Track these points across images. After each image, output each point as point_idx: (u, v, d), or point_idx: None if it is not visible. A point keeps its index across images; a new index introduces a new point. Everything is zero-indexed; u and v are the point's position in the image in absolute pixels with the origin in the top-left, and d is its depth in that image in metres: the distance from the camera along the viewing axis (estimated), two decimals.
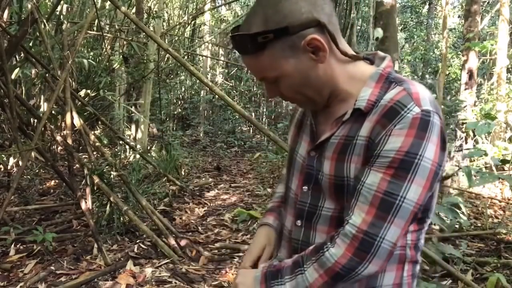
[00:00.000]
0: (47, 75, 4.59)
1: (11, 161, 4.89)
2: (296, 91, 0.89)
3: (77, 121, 4.03)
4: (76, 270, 2.99)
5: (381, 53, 0.96)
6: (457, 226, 4.03)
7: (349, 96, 0.91)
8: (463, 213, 4.18)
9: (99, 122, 7.44)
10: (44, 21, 4.50)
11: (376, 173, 0.81)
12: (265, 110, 13.20)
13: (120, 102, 7.61)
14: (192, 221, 4.31)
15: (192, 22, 11.58)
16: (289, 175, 1.02)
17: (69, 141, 3.98)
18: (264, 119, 12.92)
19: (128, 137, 7.47)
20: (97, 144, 4.27)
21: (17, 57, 5.63)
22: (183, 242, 3.48)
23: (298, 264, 0.88)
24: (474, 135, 5.63)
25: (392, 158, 0.79)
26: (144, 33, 5.72)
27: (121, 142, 6.24)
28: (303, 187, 0.96)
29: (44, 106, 6.17)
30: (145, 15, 7.41)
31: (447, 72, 9.30)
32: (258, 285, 0.91)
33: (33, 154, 4.92)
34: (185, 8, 12.77)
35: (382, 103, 0.84)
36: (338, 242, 0.83)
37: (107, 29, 7.40)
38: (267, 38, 0.81)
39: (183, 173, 6.27)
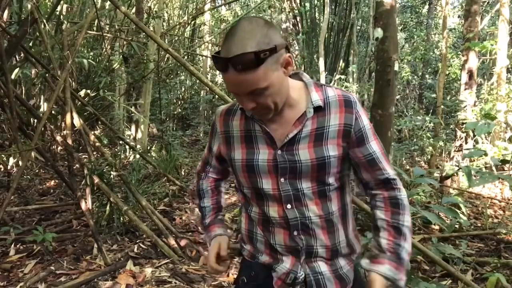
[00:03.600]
0: (47, 75, 4.59)
1: (11, 161, 4.89)
2: (273, 100, 1.09)
3: (77, 121, 4.03)
4: (76, 270, 2.99)
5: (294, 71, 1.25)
6: (457, 226, 4.03)
7: (295, 102, 1.17)
8: (463, 213, 4.18)
9: (99, 122, 7.44)
10: (44, 21, 4.50)
11: (372, 142, 1.22)
12: None
13: (120, 102, 7.61)
14: (192, 221, 4.32)
15: (192, 22, 11.58)
16: (255, 180, 1.22)
17: (69, 141, 3.98)
18: None
19: (128, 137, 7.48)
20: (97, 144, 4.27)
21: (17, 57, 5.64)
22: (183, 242, 3.48)
23: (396, 226, 1.20)
24: (474, 135, 5.63)
25: (370, 128, 1.22)
26: (144, 33, 5.72)
27: (121, 142, 6.25)
28: (281, 180, 1.18)
29: (44, 106, 6.18)
30: (145, 15, 7.40)
31: (447, 72, 9.30)
32: (400, 273, 1.16)
33: (33, 154, 4.92)
34: (185, 8, 12.77)
35: (332, 99, 1.18)
36: (398, 187, 1.23)
37: (107, 29, 7.40)
38: (266, 55, 1.01)
39: (183, 173, 6.27)
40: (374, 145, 1.22)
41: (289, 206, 1.19)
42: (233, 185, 5.92)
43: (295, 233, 1.20)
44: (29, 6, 4.72)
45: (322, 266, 1.21)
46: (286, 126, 1.17)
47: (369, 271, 1.17)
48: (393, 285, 1.15)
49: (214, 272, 1.34)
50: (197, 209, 4.72)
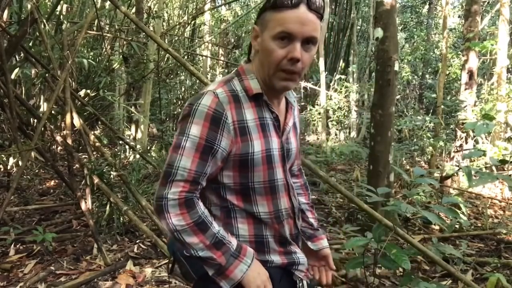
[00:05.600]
0: (47, 75, 4.58)
1: (11, 161, 4.88)
2: (309, 61, 1.08)
3: (77, 121, 4.03)
4: (76, 270, 2.99)
5: None
6: (457, 226, 4.03)
7: None
8: (463, 213, 4.18)
9: (99, 122, 7.44)
10: (44, 21, 4.50)
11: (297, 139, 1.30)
12: None
13: (120, 102, 7.61)
14: None
15: (192, 22, 11.58)
16: (272, 171, 1.14)
17: (69, 141, 3.98)
18: None
19: (128, 137, 7.47)
20: (97, 144, 4.27)
21: (17, 57, 5.64)
22: None
23: (312, 205, 1.43)
24: (474, 135, 5.63)
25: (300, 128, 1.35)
26: (144, 33, 5.72)
27: (121, 142, 6.24)
28: (285, 168, 1.19)
29: (44, 106, 6.17)
30: (145, 15, 7.40)
31: (447, 72, 9.30)
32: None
33: (33, 154, 4.92)
34: (185, 8, 12.77)
35: (292, 94, 1.30)
36: (302, 170, 1.46)
37: (107, 29, 7.40)
38: (323, 13, 1.06)
39: None
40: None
41: (292, 194, 1.21)
42: None
43: (297, 220, 1.25)
44: (29, 6, 4.72)
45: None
46: (282, 114, 1.20)
47: (319, 249, 1.36)
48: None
49: None
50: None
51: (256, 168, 1.10)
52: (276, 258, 1.18)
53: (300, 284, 1.23)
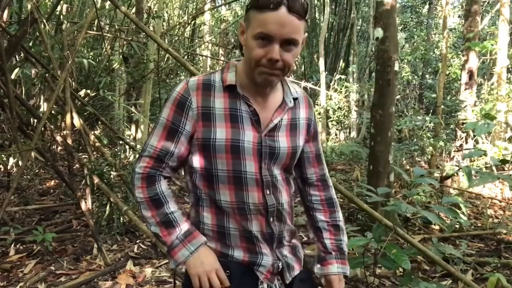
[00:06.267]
0: (47, 75, 4.58)
1: (11, 161, 4.88)
2: (290, 61, 1.09)
3: (77, 121, 4.02)
4: (76, 270, 2.99)
5: None
6: (457, 226, 4.03)
7: (278, 87, 1.22)
8: (463, 213, 4.18)
9: (99, 122, 7.44)
10: (44, 21, 4.50)
11: (319, 139, 1.36)
12: None
13: (120, 102, 7.61)
14: None
15: (192, 22, 11.58)
16: (238, 162, 1.15)
17: (69, 141, 3.98)
18: None
19: (128, 137, 7.47)
20: (97, 144, 4.27)
21: (17, 57, 5.63)
22: None
23: (335, 224, 1.36)
24: (474, 135, 5.63)
25: (318, 131, 1.35)
26: (144, 33, 5.72)
27: (121, 142, 6.24)
28: (262, 164, 1.17)
29: (44, 106, 6.17)
30: (145, 15, 7.40)
31: (447, 72, 9.29)
32: (346, 266, 1.36)
33: (33, 154, 4.92)
34: (185, 8, 12.77)
35: (300, 95, 1.27)
36: (331, 185, 1.38)
37: (107, 29, 7.40)
38: (307, 14, 1.08)
39: (183, 173, 6.26)
40: (320, 143, 1.36)
41: (268, 192, 1.18)
42: None
43: (271, 219, 1.20)
44: (29, 6, 4.71)
45: (286, 250, 1.27)
46: (268, 110, 1.19)
47: (324, 275, 1.33)
48: (342, 277, 1.34)
49: None
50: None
51: (219, 155, 1.14)
52: (238, 254, 1.19)
53: (261, 286, 1.20)
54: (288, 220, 1.27)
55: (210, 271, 1.14)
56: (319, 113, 9.76)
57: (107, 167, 3.93)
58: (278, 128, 1.19)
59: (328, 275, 1.32)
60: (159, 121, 1.17)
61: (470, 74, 5.86)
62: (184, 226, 1.17)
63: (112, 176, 4.00)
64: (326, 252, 1.34)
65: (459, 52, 9.20)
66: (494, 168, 5.11)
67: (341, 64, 11.86)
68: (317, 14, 12.94)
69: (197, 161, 1.17)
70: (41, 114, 4.42)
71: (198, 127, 1.14)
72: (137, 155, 1.14)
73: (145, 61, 6.54)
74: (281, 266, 1.24)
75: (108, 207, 3.69)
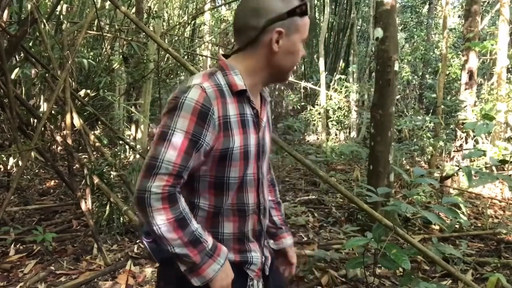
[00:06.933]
0: (47, 75, 4.58)
1: (11, 161, 4.88)
2: None
3: (77, 121, 4.03)
4: (76, 270, 2.99)
5: None
6: (457, 226, 4.03)
7: None
8: (463, 213, 4.18)
9: (99, 122, 7.44)
10: (44, 21, 4.50)
11: None
12: None
13: (120, 102, 7.61)
14: None
15: (192, 22, 11.58)
16: (247, 167, 1.15)
17: (69, 141, 3.98)
18: None
19: (128, 137, 7.47)
20: (97, 144, 4.26)
21: (17, 57, 5.64)
22: None
23: (278, 202, 1.48)
24: (474, 135, 5.63)
25: None
26: (144, 33, 5.71)
27: (121, 142, 6.24)
28: (259, 164, 1.20)
29: (44, 106, 6.17)
30: (145, 15, 7.39)
31: (447, 72, 9.29)
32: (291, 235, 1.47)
33: (33, 154, 4.92)
34: (185, 8, 12.77)
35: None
36: (272, 174, 1.46)
37: (107, 29, 7.40)
38: None
39: None
40: None
41: (260, 190, 1.22)
42: None
43: (262, 217, 1.24)
44: (29, 6, 4.72)
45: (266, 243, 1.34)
46: (259, 107, 1.22)
47: (280, 249, 1.43)
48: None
49: None
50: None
51: (233, 163, 1.11)
52: (230, 256, 1.18)
53: (251, 283, 1.21)
54: (268, 216, 1.35)
55: (231, 283, 1.13)
56: (319, 113, 9.76)
57: (107, 167, 3.93)
58: (265, 125, 1.23)
59: (284, 248, 1.43)
60: (174, 133, 1.03)
61: (470, 74, 5.86)
62: (209, 239, 1.10)
63: (112, 176, 4.00)
64: (277, 228, 1.44)
65: (459, 52, 9.20)
66: (494, 168, 5.11)
67: (341, 64, 11.86)
68: (317, 14, 12.94)
69: (207, 169, 1.12)
70: (41, 114, 4.42)
71: (219, 138, 1.08)
72: (142, 171, 1.01)
73: (145, 61, 6.53)
74: (264, 260, 1.29)
75: (108, 207, 3.69)
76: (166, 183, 1.03)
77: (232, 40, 14.29)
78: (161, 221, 1.03)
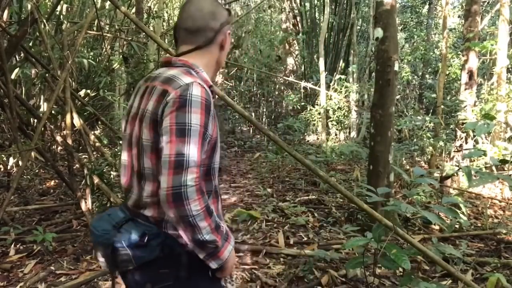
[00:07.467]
0: (47, 75, 4.59)
1: (11, 161, 4.89)
2: None
3: (77, 121, 4.03)
4: (76, 270, 2.99)
5: None
6: (457, 226, 4.03)
7: None
8: (463, 213, 4.18)
9: (99, 122, 7.44)
10: (44, 21, 4.50)
11: None
12: (265, 110, 13.21)
13: (120, 102, 7.61)
14: None
15: None
16: (218, 152, 1.29)
17: (69, 141, 3.98)
18: (264, 119, 12.92)
19: None
20: (97, 144, 4.27)
21: (17, 57, 5.64)
22: None
23: None
24: (474, 135, 5.63)
25: None
26: (144, 33, 5.72)
27: (121, 142, 6.24)
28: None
29: (44, 106, 6.17)
30: (145, 15, 7.40)
31: (447, 72, 9.29)
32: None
33: (33, 154, 4.92)
34: None
35: None
36: None
37: (107, 29, 7.40)
38: None
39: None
40: None
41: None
42: (233, 185, 5.93)
43: (221, 197, 1.38)
44: (29, 6, 4.72)
45: None
46: None
47: None
48: None
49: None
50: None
51: (216, 149, 1.26)
52: None
53: None
54: None
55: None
56: (319, 113, 9.76)
57: (107, 167, 3.93)
58: None
59: None
60: (192, 128, 1.12)
61: (470, 74, 5.86)
62: (222, 224, 1.22)
63: (112, 176, 4.00)
64: None
65: (459, 52, 9.20)
66: (494, 168, 5.11)
67: (341, 64, 11.85)
68: (317, 14, 12.94)
69: (206, 158, 1.22)
70: (41, 114, 4.42)
71: (214, 128, 1.21)
72: (170, 168, 1.09)
73: (145, 61, 6.54)
74: None
75: (108, 207, 3.69)
76: (196, 175, 1.11)
77: (232, 40, 14.28)
78: (196, 211, 1.11)
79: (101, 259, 1.25)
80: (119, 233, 1.19)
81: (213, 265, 1.18)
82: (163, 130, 1.12)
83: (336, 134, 10.31)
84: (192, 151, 1.10)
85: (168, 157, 1.09)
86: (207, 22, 1.28)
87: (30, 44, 5.15)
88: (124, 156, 1.31)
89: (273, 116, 12.83)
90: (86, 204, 3.46)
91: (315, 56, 11.84)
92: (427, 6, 15.32)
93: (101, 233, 1.20)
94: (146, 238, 1.16)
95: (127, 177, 1.30)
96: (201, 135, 1.12)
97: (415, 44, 14.19)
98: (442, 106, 7.24)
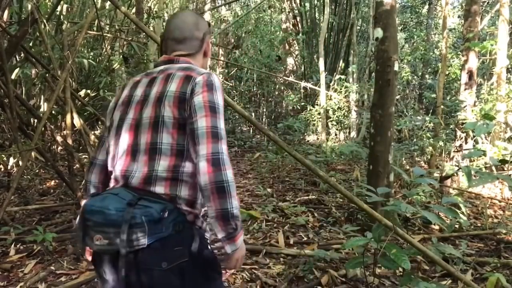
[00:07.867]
0: (47, 75, 4.59)
1: (11, 161, 4.88)
2: None
3: (77, 121, 4.03)
4: (76, 270, 2.99)
5: None
6: (457, 226, 4.03)
7: None
8: (463, 213, 4.18)
9: (99, 122, 7.43)
10: (44, 21, 4.50)
11: None
12: (265, 110, 13.21)
13: None
14: None
15: None
16: None
17: (69, 141, 3.98)
18: (264, 119, 12.92)
19: None
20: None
21: (17, 57, 5.64)
22: None
23: None
24: (474, 135, 5.63)
25: None
26: (144, 33, 5.72)
27: None
28: None
29: (44, 106, 6.17)
30: (145, 15, 7.40)
31: (447, 72, 9.28)
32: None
33: (33, 154, 4.92)
34: (185, 8, 12.76)
35: None
36: None
37: (107, 29, 7.40)
38: None
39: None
40: None
41: None
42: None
43: None
44: (29, 6, 4.72)
45: None
46: None
47: None
48: None
49: None
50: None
51: None
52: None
53: None
54: None
55: None
56: (319, 113, 9.76)
57: None
58: None
59: None
60: (219, 107, 1.29)
61: (470, 74, 5.86)
62: None
63: None
64: None
65: (459, 52, 9.19)
66: (493, 168, 5.11)
67: (341, 64, 11.85)
68: (317, 14, 12.95)
69: None
70: (41, 114, 4.43)
71: None
72: (209, 137, 1.25)
73: (145, 61, 6.54)
74: None
75: None
76: (227, 146, 1.27)
77: (232, 40, 14.30)
78: (231, 178, 1.22)
79: (97, 243, 1.17)
80: (137, 209, 1.17)
81: (228, 249, 1.24)
82: (196, 107, 1.24)
83: (336, 134, 10.31)
84: (222, 125, 1.27)
85: (205, 129, 1.22)
86: (192, 31, 1.45)
87: (30, 44, 5.15)
88: (124, 140, 1.32)
89: (273, 116, 12.82)
90: None
91: (315, 56, 11.84)
92: (427, 6, 15.31)
93: (116, 211, 1.16)
94: (167, 213, 1.20)
95: (127, 160, 1.30)
96: (223, 113, 1.30)
97: (415, 44, 14.19)
98: (442, 106, 7.25)
